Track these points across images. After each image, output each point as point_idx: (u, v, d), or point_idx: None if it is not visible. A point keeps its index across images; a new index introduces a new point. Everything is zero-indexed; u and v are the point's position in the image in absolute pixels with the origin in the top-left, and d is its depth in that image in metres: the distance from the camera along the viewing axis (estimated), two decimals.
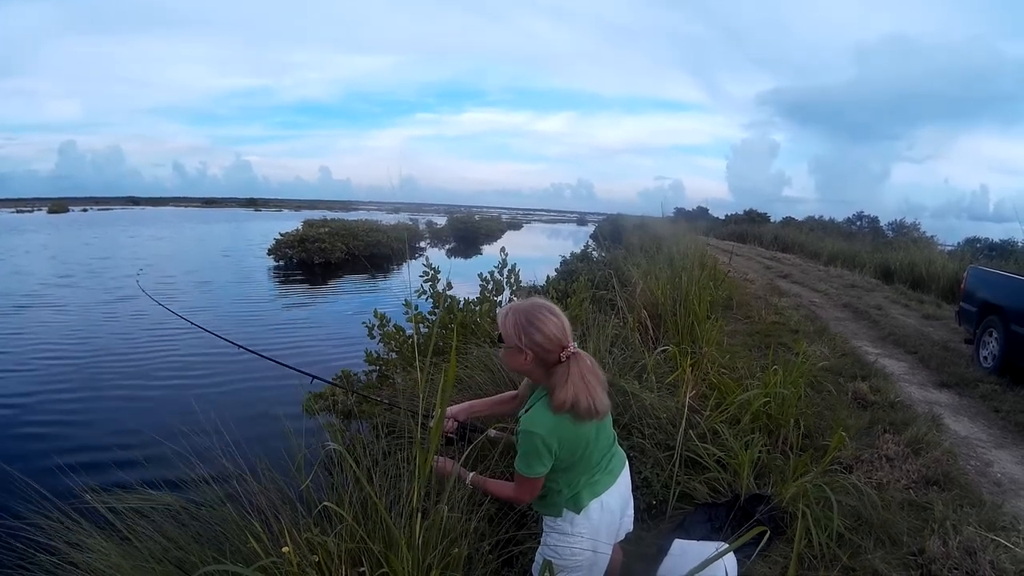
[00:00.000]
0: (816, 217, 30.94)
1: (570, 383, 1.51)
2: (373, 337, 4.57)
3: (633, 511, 1.88)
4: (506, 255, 5.21)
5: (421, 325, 4.31)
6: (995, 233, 18.63)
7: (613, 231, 18.92)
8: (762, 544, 2.27)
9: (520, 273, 5.28)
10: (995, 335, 5.41)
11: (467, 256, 21.69)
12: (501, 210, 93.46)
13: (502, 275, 5.15)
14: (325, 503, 1.64)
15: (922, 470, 3.14)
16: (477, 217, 35.36)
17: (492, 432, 2.00)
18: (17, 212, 52.55)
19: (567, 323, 1.60)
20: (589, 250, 11.91)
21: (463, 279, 5.16)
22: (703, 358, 4.06)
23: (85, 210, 58.55)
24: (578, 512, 1.63)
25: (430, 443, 1.57)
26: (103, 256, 18.11)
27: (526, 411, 1.60)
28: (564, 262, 9.53)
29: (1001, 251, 15.51)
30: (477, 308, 4.64)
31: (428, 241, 26.78)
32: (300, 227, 18.83)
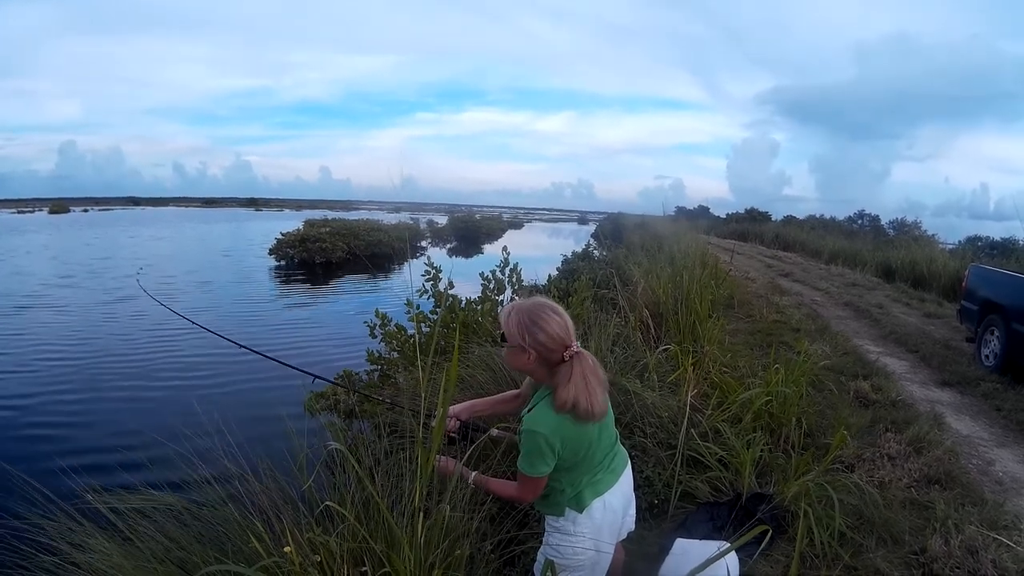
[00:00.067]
0: (817, 216, 30.93)
1: (572, 383, 1.51)
2: (375, 336, 4.57)
3: (635, 510, 1.88)
4: (508, 254, 5.20)
5: (423, 324, 4.31)
6: (996, 231, 18.61)
7: (614, 230, 18.92)
8: (764, 543, 2.27)
9: (522, 272, 5.28)
10: (996, 333, 5.40)
11: (468, 255, 21.70)
12: (502, 209, 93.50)
13: (504, 274, 5.14)
14: (327, 503, 1.64)
15: (924, 469, 3.14)
16: (478, 216, 35.35)
17: (495, 431, 2.00)
18: (18, 213, 52.65)
19: (570, 322, 1.60)
20: (590, 249, 11.90)
21: (464, 278, 5.16)
22: (705, 357, 4.06)
23: (86, 210, 58.65)
24: (581, 511, 1.62)
25: (432, 442, 1.57)
26: (104, 256, 18.14)
27: (529, 410, 1.60)
28: (565, 261, 9.52)
29: (1002, 249, 15.50)
30: (479, 307, 4.63)
31: (429, 240, 26.78)
32: (301, 227, 18.84)
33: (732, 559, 1.89)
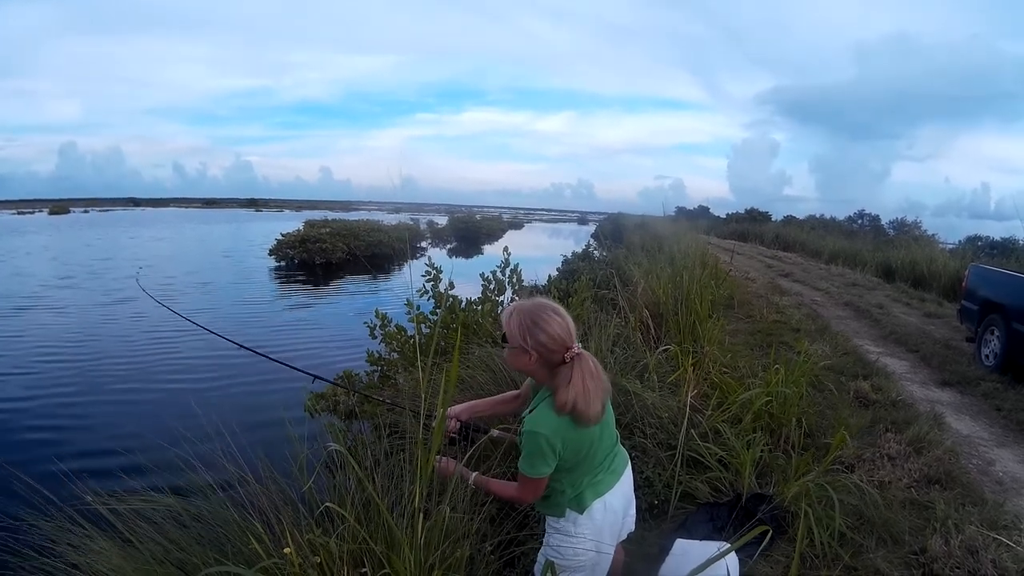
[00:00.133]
0: (817, 216, 30.94)
1: (572, 385, 1.51)
2: (375, 337, 4.56)
3: (635, 511, 1.88)
4: (509, 254, 5.20)
5: (423, 325, 4.31)
6: (996, 231, 18.60)
7: (614, 230, 18.91)
8: (764, 544, 2.27)
9: (522, 273, 5.28)
10: (996, 333, 5.40)
11: (468, 256, 21.70)
12: (502, 210, 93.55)
13: (504, 275, 5.14)
14: (327, 504, 1.64)
15: (924, 469, 3.14)
16: (478, 217, 35.34)
17: (495, 432, 1.99)
18: (18, 214, 52.68)
19: (572, 323, 1.59)
20: (590, 249, 11.90)
21: (465, 279, 5.16)
22: (705, 357, 4.06)
23: (86, 211, 58.68)
24: (581, 512, 1.62)
25: (432, 443, 1.57)
26: (104, 257, 18.14)
27: (530, 411, 1.60)
28: (566, 261, 9.53)
29: (1002, 249, 15.50)
30: (479, 308, 4.63)
31: (429, 241, 26.78)
32: (301, 227, 18.85)
33: (732, 559, 1.89)
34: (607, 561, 1.71)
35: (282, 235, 17.61)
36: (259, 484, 1.82)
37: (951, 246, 16.65)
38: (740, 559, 2.13)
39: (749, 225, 29.06)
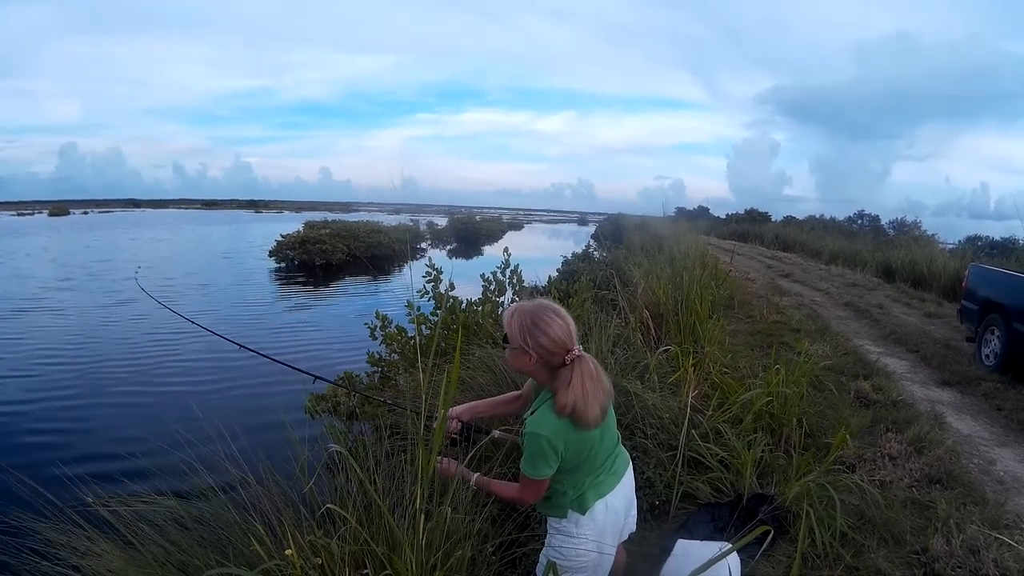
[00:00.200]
0: (817, 216, 30.93)
1: (571, 388, 1.51)
2: (375, 338, 4.56)
3: (636, 511, 1.88)
4: (509, 255, 5.20)
5: (423, 326, 4.31)
6: (996, 231, 18.60)
7: (614, 231, 18.90)
8: (765, 544, 2.27)
9: (522, 273, 5.28)
10: (997, 333, 5.40)
11: (468, 257, 21.71)
12: (502, 210, 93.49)
13: (504, 275, 5.14)
14: (328, 505, 1.64)
15: (925, 469, 3.14)
16: (478, 218, 35.32)
17: (496, 433, 1.99)
18: (18, 215, 52.71)
19: (573, 325, 1.59)
20: (590, 250, 11.90)
21: (465, 280, 5.16)
22: (705, 358, 4.06)
23: (86, 212, 58.71)
24: (583, 513, 1.62)
25: (433, 444, 1.57)
26: (104, 259, 18.14)
27: (532, 413, 1.60)
28: (566, 262, 9.53)
29: (1002, 249, 15.49)
30: (479, 309, 4.63)
31: (429, 242, 26.77)
32: (301, 229, 18.85)
33: (734, 560, 1.89)
34: (609, 562, 1.71)
35: (282, 236, 17.62)
36: (260, 486, 1.82)
37: (951, 246, 16.66)
38: (741, 559, 2.13)
39: (749, 225, 29.06)
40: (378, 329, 4.55)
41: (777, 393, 3.42)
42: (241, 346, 2.49)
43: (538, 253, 17.30)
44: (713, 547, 2.02)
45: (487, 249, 24.59)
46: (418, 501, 1.57)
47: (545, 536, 1.73)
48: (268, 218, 53.42)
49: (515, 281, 5.18)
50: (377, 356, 4.49)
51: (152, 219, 49.34)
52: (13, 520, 1.79)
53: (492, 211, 71.91)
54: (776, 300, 8.31)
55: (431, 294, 4.62)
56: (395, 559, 1.54)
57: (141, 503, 1.83)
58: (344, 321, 9.32)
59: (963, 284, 6.49)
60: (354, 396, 3.83)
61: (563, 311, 1.60)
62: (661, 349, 4.09)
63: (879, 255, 13.75)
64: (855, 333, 6.84)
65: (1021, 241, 15.29)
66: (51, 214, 51.33)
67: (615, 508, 1.68)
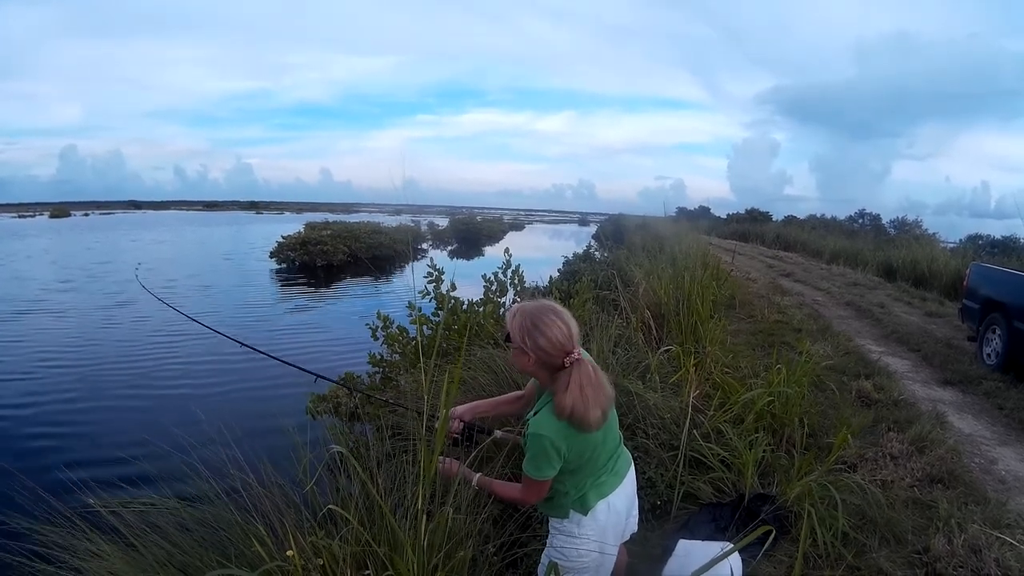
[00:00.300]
0: (818, 215, 30.88)
1: (568, 392, 1.50)
2: (377, 339, 4.57)
3: (638, 511, 1.88)
4: (510, 256, 5.20)
5: (424, 327, 4.31)
6: (997, 230, 18.58)
7: (615, 231, 18.91)
8: (767, 544, 2.27)
9: (524, 274, 5.28)
10: (998, 332, 5.39)
11: (469, 257, 21.70)
12: (502, 211, 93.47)
13: (506, 276, 5.14)
14: (330, 506, 1.63)
15: (926, 468, 3.14)
16: (479, 218, 35.32)
17: (498, 433, 1.99)
18: (19, 217, 52.81)
19: (574, 327, 1.58)
20: (591, 250, 11.90)
21: (466, 280, 5.16)
22: (706, 358, 4.05)
23: (87, 214, 58.79)
24: (585, 514, 1.62)
25: (435, 444, 1.57)
26: (104, 260, 18.16)
27: (534, 414, 1.60)
28: (567, 262, 9.52)
29: (1003, 248, 15.49)
30: (481, 309, 4.63)
31: (430, 243, 26.77)
32: (302, 230, 18.86)
33: (735, 560, 1.89)
34: (610, 562, 1.70)
35: (283, 237, 17.62)
36: (261, 487, 1.81)
37: (952, 245, 16.65)
38: (743, 559, 2.13)
39: (750, 225, 29.05)
40: (380, 330, 4.55)
41: (778, 393, 3.42)
42: (242, 343, 2.49)
43: (539, 253, 17.31)
44: (715, 547, 2.02)
45: (488, 250, 24.58)
46: (420, 501, 1.57)
47: (547, 536, 1.73)
48: (269, 219, 53.45)
49: (516, 281, 5.18)
50: (379, 357, 4.49)
51: (153, 221, 49.39)
52: (15, 523, 1.79)
53: (493, 211, 71.93)
54: (777, 300, 8.30)
55: (432, 295, 4.62)
56: (397, 560, 1.54)
57: (142, 505, 1.83)
58: (346, 322, 9.33)
59: (964, 283, 6.49)
60: (355, 396, 3.83)
61: (565, 313, 1.59)
62: (662, 349, 4.08)
63: (880, 254, 13.74)
64: (856, 332, 6.83)
65: (1022, 240, 15.29)
66: (52, 216, 51.43)
67: (617, 508, 1.68)
